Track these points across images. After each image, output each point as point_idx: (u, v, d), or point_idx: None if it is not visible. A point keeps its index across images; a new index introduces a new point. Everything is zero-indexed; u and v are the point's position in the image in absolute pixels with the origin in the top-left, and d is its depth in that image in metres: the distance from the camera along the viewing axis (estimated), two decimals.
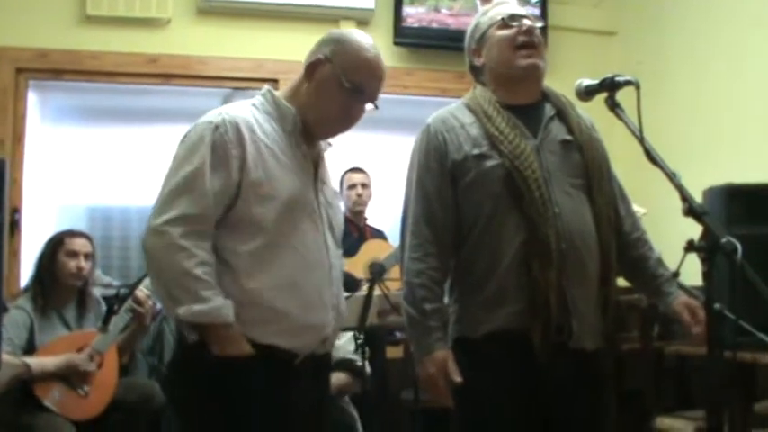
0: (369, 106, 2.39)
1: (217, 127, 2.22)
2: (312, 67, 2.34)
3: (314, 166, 2.38)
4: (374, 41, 2.39)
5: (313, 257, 2.28)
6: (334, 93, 2.31)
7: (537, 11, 5.61)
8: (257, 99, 2.39)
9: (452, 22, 5.58)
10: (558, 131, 2.40)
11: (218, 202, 2.19)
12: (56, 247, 4.00)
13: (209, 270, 2.15)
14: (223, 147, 2.20)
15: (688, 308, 2.35)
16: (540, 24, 2.48)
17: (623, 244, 2.42)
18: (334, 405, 3.97)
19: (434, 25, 5.58)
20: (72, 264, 3.99)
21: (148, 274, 2.22)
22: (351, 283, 4.48)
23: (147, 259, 2.19)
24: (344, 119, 2.35)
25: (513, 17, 2.45)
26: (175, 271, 2.12)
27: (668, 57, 5.34)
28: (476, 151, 2.33)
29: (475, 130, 2.37)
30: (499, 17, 2.47)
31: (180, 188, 2.18)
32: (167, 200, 2.18)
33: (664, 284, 2.43)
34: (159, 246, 2.14)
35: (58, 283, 3.97)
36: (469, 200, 2.33)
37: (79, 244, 4.04)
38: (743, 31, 4.66)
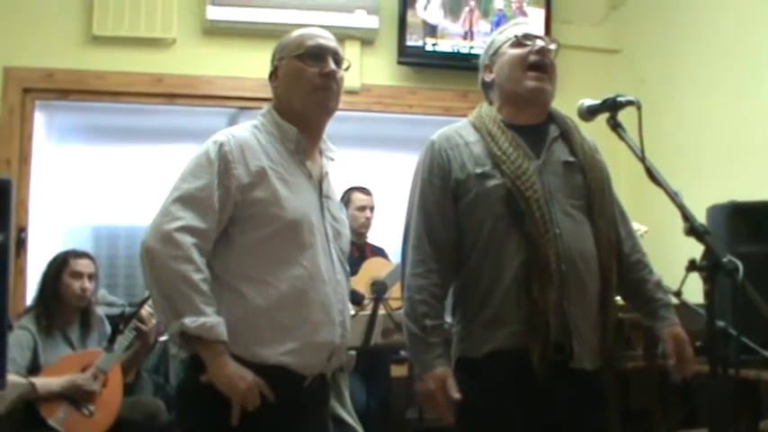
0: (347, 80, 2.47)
1: (222, 145, 2.27)
2: (272, 76, 2.46)
3: (318, 182, 2.41)
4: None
5: (320, 274, 2.29)
6: (297, 69, 2.38)
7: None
8: (258, 120, 2.43)
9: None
10: (560, 152, 2.41)
11: (220, 221, 2.23)
12: (60, 267, 4.01)
13: (209, 288, 2.17)
14: (227, 164, 2.24)
15: (675, 339, 2.37)
16: (553, 46, 2.49)
17: (623, 266, 2.42)
18: (338, 421, 3.97)
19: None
20: (76, 285, 4.00)
21: (147, 279, 2.19)
22: (353, 299, 4.50)
23: (149, 263, 2.17)
24: (320, 83, 2.36)
25: (528, 36, 2.47)
26: (181, 281, 2.12)
27: (672, 75, 5.36)
28: (478, 170, 2.34)
29: (478, 149, 2.38)
30: (513, 35, 2.48)
31: (188, 200, 2.21)
32: (175, 208, 2.20)
33: (660, 309, 2.43)
34: (168, 253, 2.15)
35: (62, 303, 3.98)
36: (471, 219, 2.34)
37: (83, 264, 4.05)
38: (747, 48, 4.67)
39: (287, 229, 2.25)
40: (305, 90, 2.36)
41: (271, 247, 2.23)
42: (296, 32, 2.45)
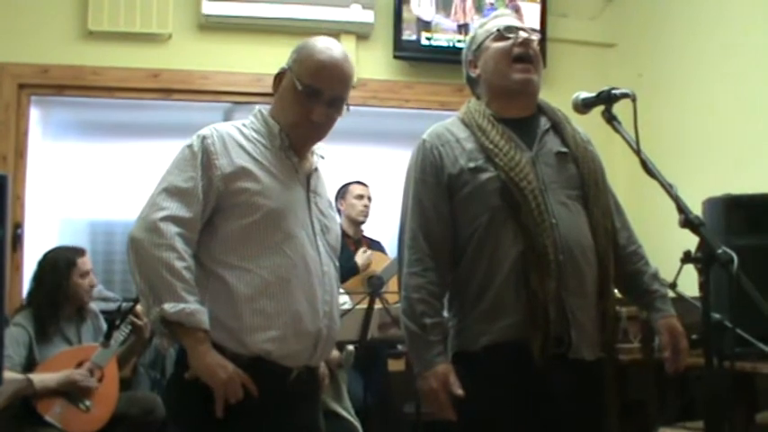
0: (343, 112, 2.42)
1: (205, 138, 2.31)
2: (276, 79, 2.44)
3: (306, 177, 2.42)
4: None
5: (304, 264, 2.30)
6: (292, 97, 2.36)
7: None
8: (248, 119, 2.45)
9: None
10: (552, 144, 2.41)
11: (204, 210, 2.25)
12: (69, 269, 4.02)
13: (192, 276, 2.19)
14: (209, 156, 2.27)
15: (670, 331, 2.37)
16: (536, 37, 2.49)
17: (618, 257, 2.42)
18: (334, 415, 3.98)
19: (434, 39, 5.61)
20: (86, 283, 4.06)
21: (131, 267, 2.20)
22: (351, 271, 4.54)
23: (133, 252, 2.19)
24: (307, 123, 2.35)
25: (510, 29, 2.46)
26: (163, 268, 2.14)
27: (668, 68, 5.36)
28: (471, 165, 2.34)
29: (470, 144, 2.38)
30: (495, 29, 2.48)
31: (173, 191, 2.24)
32: (161, 199, 2.23)
33: (656, 301, 2.43)
34: (151, 241, 2.16)
35: (70, 302, 4.00)
36: (466, 213, 2.34)
37: (87, 262, 4.09)
38: (743, 42, 4.68)
39: (270, 218, 2.27)
40: (290, 121, 2.37)
41: (254, 234, 2.25)
42: (313, 49, 2.38)
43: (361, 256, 4.88)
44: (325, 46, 2.39)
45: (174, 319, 2.12)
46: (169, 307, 2.12)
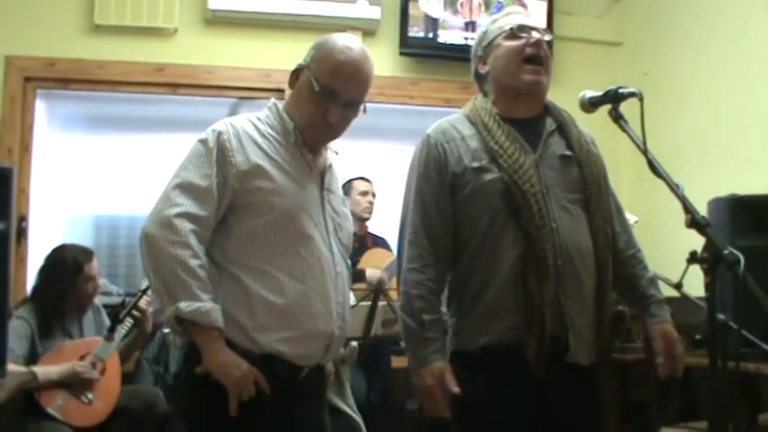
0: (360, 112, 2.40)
1: (220, 134, 2.28)
2: (293, 75, 2.40)
3: (320, 175, 2.40)
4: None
5: (319, 265, 2.29)
6: (309, 97, 2.33)
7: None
8: (263, 112, 2.42)
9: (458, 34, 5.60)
10: (557, 146, 2.39)
11: (219, 208, 2.24)
12: (75, 274, 4.02)
13: (206, 274, 2.18)
14: (224, 153, 2.25)
15: (664, 337, 2.36)
16: (548, 37, 2.46)
17: (617, 261, 2.40)
18: (337, 411, 3.97)
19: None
20: (90, 287, 4.07)
21: (145, 264, 2.20)
22: (356, 276, 4.51)
23: (147, 248, 2.18)
24: (323, 124, 2.33)
25: (523, 28, 2.43)
26: (178, 266, 2.13)
27: (674, 68, 5.35)
28: (475, 164, 2.32)
29: (475, 143, 2.36)
30: (508, 27, 2.44)
31: (187, 187, 2.22)
32: (175, 195, 2.21)
33: (651, 306, 2.42)
34: (166, 238, 2.15)
35: (73, 304, 4.02)
36: (467, 212, 2.32)
37: (94, 267, 4.09)
38: (749, 42, 4.66)
39: (285, 219, 2.25)
40: (306, 121, 2.34)
41: (268, 235, 2.24)
42: (332, 48, 2.35)
43: (371, 274, 4.81)
44: (345, 45, 2.36)
45: (190, 317, 2.12)
46: (184, 305, 2.11)
